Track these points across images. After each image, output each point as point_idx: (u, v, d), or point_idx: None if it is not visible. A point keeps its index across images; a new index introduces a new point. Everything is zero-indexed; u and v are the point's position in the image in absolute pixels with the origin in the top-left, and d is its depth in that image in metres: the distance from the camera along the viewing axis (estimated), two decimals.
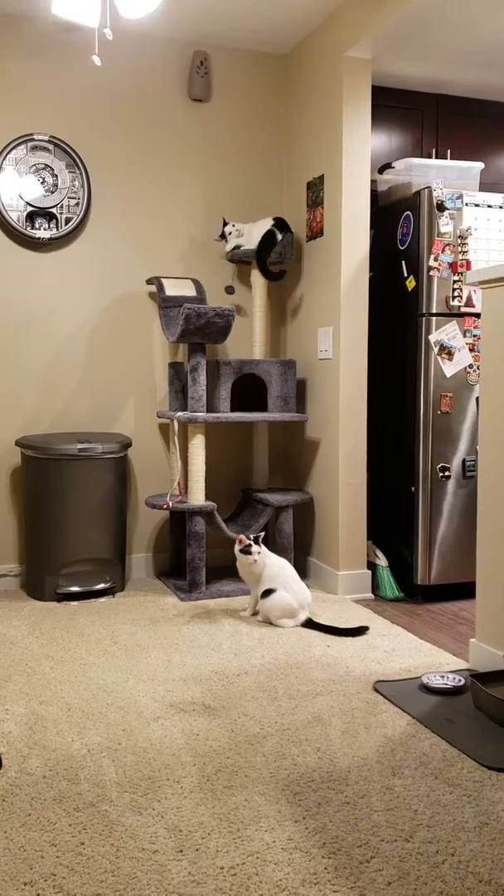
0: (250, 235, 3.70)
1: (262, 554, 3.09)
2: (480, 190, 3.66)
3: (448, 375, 3.40)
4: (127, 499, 3.70)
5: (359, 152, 3.45)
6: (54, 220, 3.60)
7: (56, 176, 3.59)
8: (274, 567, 3.09)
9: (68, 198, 3.61)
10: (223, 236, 3.73)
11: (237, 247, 3.71)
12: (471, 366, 3.42)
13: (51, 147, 3.58)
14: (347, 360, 3.49)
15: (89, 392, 3.74)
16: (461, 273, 3.38)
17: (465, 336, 3.41)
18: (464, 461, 3.44)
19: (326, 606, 3.33)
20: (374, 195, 3.71)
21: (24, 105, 3.56)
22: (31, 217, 3.56)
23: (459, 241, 3.37)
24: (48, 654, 2.74)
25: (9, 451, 3.62)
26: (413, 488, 3.46)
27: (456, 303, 3.38)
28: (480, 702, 2.26)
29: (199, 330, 3.34)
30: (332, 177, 3.53)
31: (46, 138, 3.57)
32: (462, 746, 2.05)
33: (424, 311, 3.38)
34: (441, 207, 3.35)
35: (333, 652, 2.77)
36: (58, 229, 3.60)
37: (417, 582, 3.46)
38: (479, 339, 3.40)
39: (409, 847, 1.62)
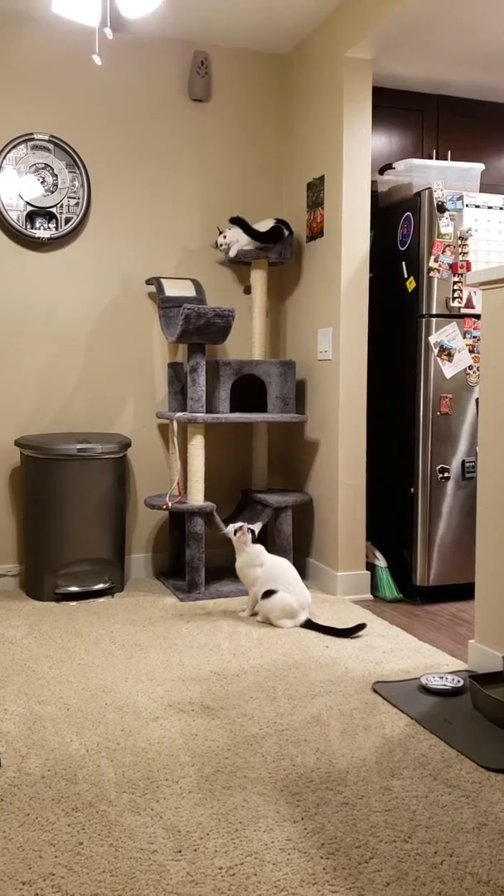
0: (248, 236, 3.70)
1: (256, 551, 3.10)
2: (481, 191, 3.66)
3: (448, 377, 3.40)
4: (126, 499, 3.70)
5: (359, 153, 3.45)
6: (54, 220, 3.60)
7: (56, 176, 3.59)
8: (275, 568, 3.09)
9: (68, 197, 3.61)
10: (217, 246, 3.74)
11: (240, 250, 3.70)
12: (470, 367, 3.42)
13: (51, 147, 3.58)
14: (347, 361, 3.49)
15: (89, 392, 3.73)
16: (461, 274, 3.38)
17: (464, 337, 3.41)
18: (463, 462, 3.44)
19: (325, 607, 3.33)
20: (375, 196, 3.71)
21: (25, 104, 3.56)
22: (30, 217, 3.56)
23: (460, 242, 3.37)
24: (47, 654, 2.74)
25: (8, 450, 3.62)
26: (412, 489, 3.46)
27: (456, 304, 3.39)
28: (479, 703, 2.26)
29: (198, 330, 3.34)
30: (332, 177, 3.53)
31: (46, 138, 3.57)
32: (461, 747, 2.04)
33: (424, 313, 3.38)
34: (441, 208, 3.35)
35: (332, 652, 2.77)
36: (57, 229, 3.60)
37: (416, 583, 3.46)
38: (478, 340, 3.40)
39: (408, 848, 1.62)
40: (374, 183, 3.71)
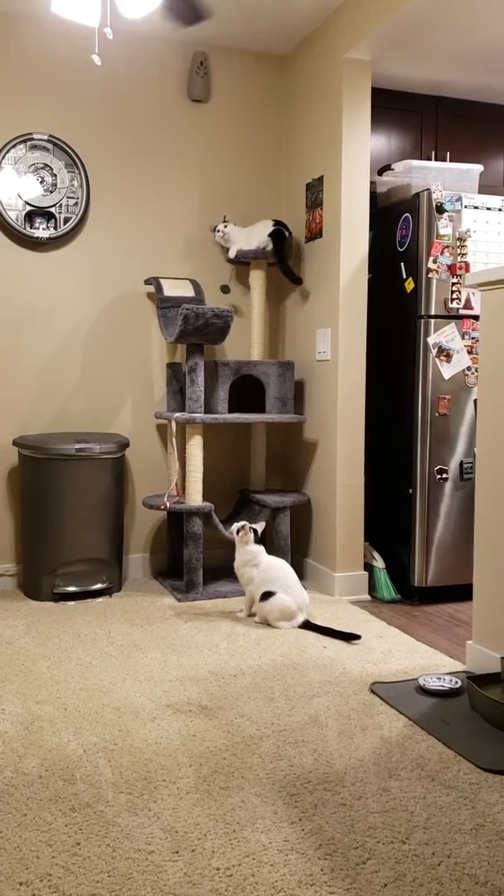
0: (249, 237, 3.70)
1: (255, 551, 3.10)
2: (479, 192, 3.66)
3: (446, 377, 3.40)
4: (124, 499, 3.69)
5: (358, 154, 3.45)
6: (53, 220, 3.60)
7: (55, 175, 3.58)
8: (273, 569, 3.09)
9: (67, 197, 3.61)
10: (214, 230, 3.74)
11: (239, 250, 3.70)
12: (469, 368, 3.43)
13: (50, 146, 3.58)
14: (346, 362, 3.49)
15: (87, 392, 3.73)
16: (460, 275, 3.38)
17: (463, 338, 3.41)
18: (461, 463, 3.44)
19: (323, 608, 3.33)
20: (374, 197, 3.71)
21: (24, 104, 3.56)
22: (29, 216, 3.56)
23: (458, 243, 3.38)
24: (45, 655, 2.74)
25: (6, 450, 3.62)
26: (410, 490, 3.46)
27: (454, 305, 3.39)
28: (477, 704, 2.26)
29: (197, 330, 3.34)
30: (331, 178, 3.53)
31: (45, 138, 3.57)
32: (458, 748, 2.04)
33: (423, 313, 3.38)
34: (440, 209, 3.35)
35: (330, 653, 2.77)
36: (56, 229, 3.60)
37: (414, 584, 3.46)
38: (477, 341, 3.40)
39: (406, 849, 1.62)
40: (372, 184, 3.71)
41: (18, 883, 1.50)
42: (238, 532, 3.13)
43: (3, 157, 3.50)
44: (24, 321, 3.62)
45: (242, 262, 3.81)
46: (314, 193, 3.67)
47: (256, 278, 3.76)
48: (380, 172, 3.69)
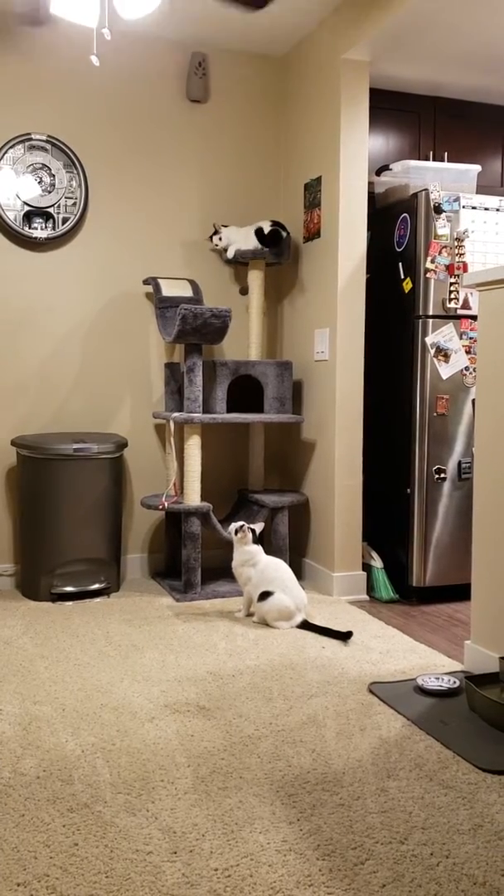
0: (247, 237, 3.70)
1: (253, 551, 3.10)
2: (477, 192, 3.67)
3: (444, 377, 3.41)
4: (122, 499, 3.69)
5: (356, 154, 3.45)
6: (51, 220, 3.59)
7: (53, 176, 3.58)
8: (271, 569, 3.09)
9: (65, 198, 3.61)
10: (211, 238, 3.75)
11: (237, 250, 3.70)
12: (467, 368, 3.43)
13: (48, 147, 3.57)
14: (344, 362, 3.49)
15: (85, 392, 3.73)
16: (458, 275, 3.38)
17: (461, 338, 3.41)
18: (459, 463, 3.44)
19: (321, 608, 3.33)
20: (372, 197, 3.71)
21: (22, 104, 3.56)
22: (28, 217, 3.56)
23: (456, 243, 3.38)
24: (42, 655, 2.73)
25: (4, 450, 3.62)
26: (408, 490, 3.46)
27: (452, 305, 3.39)
28: (475, 704, 2.26)
29: (195, 330, 3.34)
30: (329, 178, 3.53)
31: (44, 138, 3.56)
32: (457, 748, 2.04)
33: (421, 313, 3.39)
34: (438, 210, 3.35)
35: (328, 653, 2.77)
36: (55, 229, 3.60)
37: (412, 583, 3.46)
38: (475, 341, 3.40)
39: (404, 849, 1.62)
40: (370, 184, 3.71)
41: (16, 884, 1.50)
42: (236, 532, 3.14)
43: (2, 158, 3.50)
44: (22, 321, 3.62)
45: (241, 263, 3.81)
46: (312, 194, 3.67)
47: (255, 278, 3.76)
48: (378, 173, 3.70)
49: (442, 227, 3.36)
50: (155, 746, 2.05)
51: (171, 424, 3.57)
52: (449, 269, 3.38)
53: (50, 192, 3.58)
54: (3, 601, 3.40)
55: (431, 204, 3.35)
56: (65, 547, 3.36)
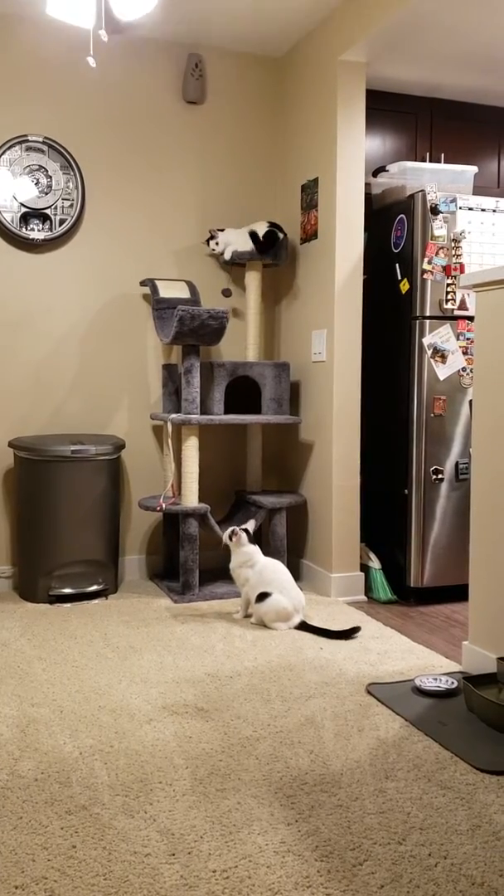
0: (244, 238, 3.70)
1: (250, 552, 3.11)
2: (474, 193, 3.67)
3: (441, 378, 3.41)
4: (120, 501, 3.69)
5: (353, 155, 3.46)
6: (48, 222, 3.59)
7: (50, 177, 3.58)
8: (268, 570, 3.09)
9: (62, 199, 3.61)
10: (208, 243, 3.75)
11: (234, 252, 3.70)
12: (464, 369, 3.43)
13: (45, 148, 3.57)
14: (341, 363, 3.49)
15: (83, 393, 3.73)
16: (455, 276, 3.38)
17: (458, 339, 3.41)
18: (457, 464, 3.45)
19: (319, 609, 3.33)
20: (369, 198, 3.72)
21: (19, 106, 3.56)
22: (24, 218, 3.56)
23: (453, 244, 3.38)
24: (40, 657, 2.73)
25: (1, 452, 3.61)
26: (406, 491, 3.46)
27: (449, 306, 3.39)
28: (473, 704, 2.26)
29: (192, 332, 3.34)
30: (326, 180, 3.53)
31: (41, 139, 3.56)
32: (455, 749, 2.05)
33: (418, 314, 3.39)
34: (435, 211, 3.35)
35: (326, 654, 2.77)
36: (52, 230, 3.59)
37: (410, 584, 3.46)
38: (472, 342, 3.41)
39: (402, 850, 1.62)
40: (367, 185, 3.71)
41: (14, 886, 1.50)
42: (230, 538, 3.14)
43: None
44: (19, 323, 3.61)
45: (238, 264, 3.81)
46: (309, 195, 3.68)
47: (252, 279, 3.76)
48: (374, 174, 3.70)
49: (439, 228, 3.36)
50: (153, 748, 2.05)
51: (169, 426, 3.58)
52: (446, 270, 3.38)
53: (47, 194, 3.58)
54: (1, 603, 3.40)
55: (428, 205, 3.35)
56: (63, 549, 3.35)
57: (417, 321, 3.39)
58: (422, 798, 1.82)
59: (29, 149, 3.55)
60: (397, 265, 3.50)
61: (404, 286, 3.46)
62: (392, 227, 3.54)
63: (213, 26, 3.58)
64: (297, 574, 3.80)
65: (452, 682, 2.45)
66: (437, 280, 3.38)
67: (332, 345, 3.49)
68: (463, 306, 3.41)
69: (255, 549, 3.14)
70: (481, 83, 3.73)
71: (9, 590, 3.62)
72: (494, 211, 3.44)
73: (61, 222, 3.61)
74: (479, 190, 3.83)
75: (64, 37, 3.59)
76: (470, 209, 3.40)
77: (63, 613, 3.24)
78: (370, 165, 3.73)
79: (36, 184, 3.56)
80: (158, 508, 3.44)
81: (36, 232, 3.57)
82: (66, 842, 1.64)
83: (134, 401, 3.82)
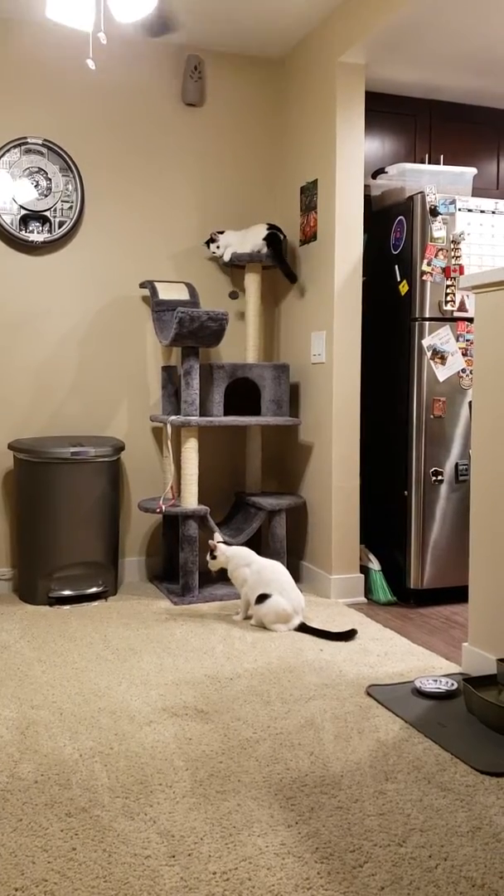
0: (244, 240, 3.71)
1: (241, 553, 3.16)
2: (473, 195, 3.67)
3: (441, 380, 3.41)
4: (119, 502, 3.69)
5: (352, 157, 3.46)
6: (48, 224, 3.59)
7: (50, 179, 3.58)
8: (268, 571, 3.09)
9: (62, 201, 3.61)
10: (208, 245, 3.75)
11: (234, 254, 3.70)
12: (463, 370, 3.43)
13: (44, 150, 3.57)
14: (341, 364, 3.49)
15: (82, 395, 3.73)
16: (454, 278, 3.39)
17: (457, 340, 3.42)
18: (456, 465, 3.45)
19: (319, 610, 3.33)
20: (368, 200, 3.72)
21: (18, 108, 3.56)
22: (24, 220, 3.56)
23: (452, 245, 3.38)
24: (40, 659, 2.73)
25: (1, 454, 3.61)
26: (406, 492, 3.46)
27: (449, 307, 3.39)
28: (473, 706, 2.26)
29: (192, 333, 3.34)
30: (325, 181, 3.53)
31: (40, 142, 3.57)
32: (455, 751, 2.04)
33: (417, 316, 3.39)
34: (434, 212, 3.36)
35: (326, 656, 2.76)
36: (51, 233, 3.60)
37: (410, 586, 3.46)
38: (471, 343, 3.41)
39: (402, 852, 1.62)
40: (367, 187, 3.72)
41: (14, 889, 1.50)
42: (212, 556, 3.20)
43: None
44: (19, 325, 3.61)
45: (237, 266, 3.81)
46: (308, 197, 3.68)
47: (251, 281, 3.77)
48: (374, 175, 3.70)
49: (438, 229, 3.36)
50: (153, 750, 2.05)
51: (169, 427, 3.58)
52: (445, 271, 3.38)
53: (46, 196, 3.58)
54: (1, 605, 3.40)
55: (427, 207, 3.35)
56: (62, 550, 3.35)
57: (417, 323, 3.39)
58: (422, 800, 1.82)
59: (28, 151, 3.55)
60: (396, 267, 3.50)
61: (404, 288, 3.46)
62: (391, 228, 3.54)
63: (212, 28, 3.59)
64: (296, 576, 3.80)
65: (452, 684, 2.45)
66: (437, 281, 3.38)
67: (332, 346, 3.49)
68: (462, 308, 3.41)
69: (245, 551, 3.16)
70: (480, 85, 3.73)
71: (8, 592, 3.62)
72: (494, 212, 3.44)
73: (61, 224, 3.61)
74: (478, 191, 3.83)
75: (63, 39, 3.59)
76: (469, 211, 3.40)
77: (63, 615, 3.24)
78: (369, 167, 3.73)
79: (35, 186, 3.57)
80: (158, 510, 3.44)
81: (35, 234, 3.57)
82: (66, 844, 1.64)
83: (133, 403, 3.82)
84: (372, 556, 3.59)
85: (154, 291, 3.65)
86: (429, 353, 3.39)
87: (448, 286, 3.39)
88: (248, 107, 3.93)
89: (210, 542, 3.22)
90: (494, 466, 2.52)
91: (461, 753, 2.03)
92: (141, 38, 3.68)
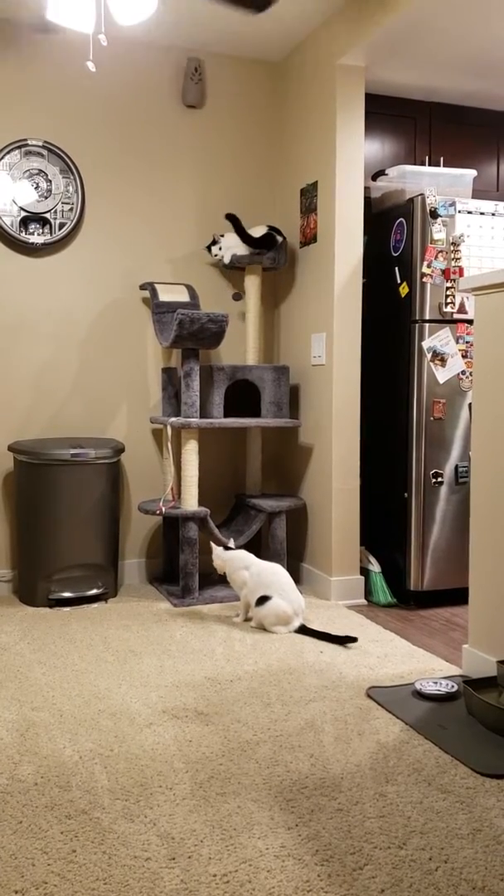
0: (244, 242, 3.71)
1: (238, 556, 3.17)
2: (473, 197, 3.68)
3: (441, 382, 3.41)
4: (120, 504, 3.69)
5: (352, 159, 3.46)
6: (48, 226, 3.60)
7: (50, 181, 3.59)
8: (268, 573, 3.09)
9: (62, 203, 3.61)
10: (209, 248, 3.76)
11: (234, 255, 3.70)
12: (463, 372, 3.43)
13: (45, 152, 3.58)
14: (341, 366, 3.50)
15: (82, 397, 3.73)
16: (454, 280, 3.39)
17: (457, 342, 3.42)
18: (456, 467, 3.45)
19: (319, 612, 3.33)
20: (368, 202, 3.72)
21: (19, 110, 3.56)
22: (24, 222, 3.56)
23: (452, 247, 3.39)
24: (40, 660, 2.73)
25: (1, 455, 3.61)
26: (406, 494, 3.46)
27: (449, 309, 3.40)
28: (473, 708, 2.26)
29: (192, 335, 3.34)
30: (325, 183, 3.54)
31: (40, 143, 3.57)
32: (455, 753, 2.04)
33: (417, 318, 3.39)
34: (434, 214, 3.36)
35: (326, 658, 2.76)
36: (51, 234, 3.60)
37: (410, 588, 3.46)
38: (471, 345, 3.41)
39: (403, 854, 1.61)
40: (366, 189, 3.72)
41: (14, 891, 1.49)
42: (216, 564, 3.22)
43: None
44: (19, 326, 3.62)
45: (237, 268, 3.82)
46: (308, 199, 3.68)
47: (252, 283, 3.77)
48: (374, 177, 3.71)
49: (438, 231, 3.37)
50: (153, 752, 2.05)
51: (169, 429, 3.58)
52: (445, 273, 3.39)
53: (46, 198, 3.59)
54: (1, 607, 3.40)
55: (427, 209, 3.36)
56: (62, 552, 3.35)
57: (417, 325, 3.39)
58: (422, 802, 1.82)
59: (29, 153, 3.56)
60: (396, 269, 3.51)
61: (403, 290, 3.46)
62: (391, 230, 3.55)
63: (213, 30, 3.59)
64: (296, 577, 3.80)
65: (452, 686, 2.45)
66: (437, 283, 3.38)
67: (332, 348, 3.49)
68: (462, 310, 3.42)
69: (244, 553, 3.16)
70: (480, 87, 3.74)
71: (8, 593, 3.62)
72: (493, 214, 3.44)
73: (61, 226, 3.61)
74: (478, 193, 3.83)
75: (64, 41, 3.59)
76: (469, 213, 3.41)
77: (63, 617, 3.24)
78: (369, 169, 3.73)
79: (36, 188, 3.57)
80: (158, 512, 3.44)
81: (36, 236, 3.58)
82: (66, 846, 1.64)
83: (133, 404, 3.82)
84: (372, 558, 3.59)
85: (154, 293, 3.65)
86: (429, 355, 3.39)
87: (448, 288, 3.39)
88: (249, 109, 3.94)
89: (216, 550, 3.23)
90: (494, 468, 2.52)
91: (461, 755, 2.03)
92: (141, 39, 3.68)
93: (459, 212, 3.39)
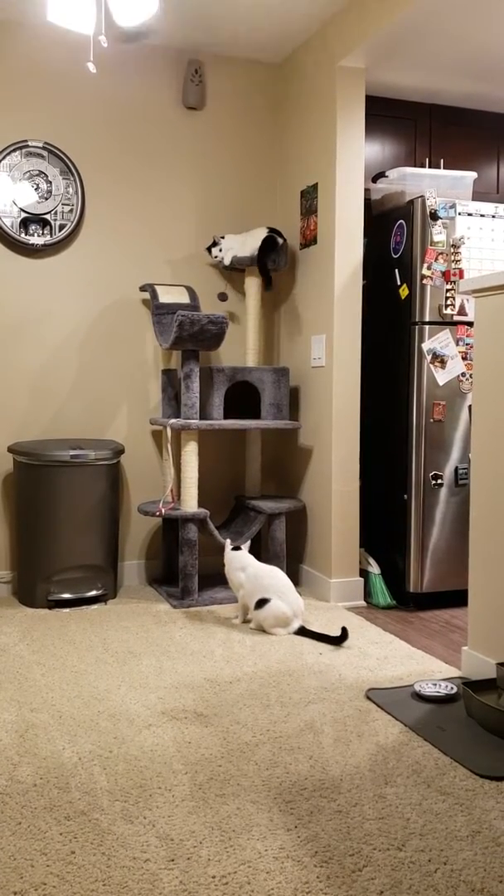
0: (244, 244, 3.71)
1: (238, 556, 3.15)
2: (473, 199, 3.68)
3: (441, 384, 3.41)
4: (119, 506, 3.69)
5: (352, 161, 3.47)
6: (48, 227, 3.60)
7: (50, 182, 3.59)
8: (267, 576, 3.08)
9: (62, 204, 3.61)
10: (210, 250, 3.76)
11: (234, 257, 3.71)
12: (463, 374, 3.43)
13: (45, 153, 3.58)
14: (341, 368, 3.50)
15: (82, 398, 3.73)
16: (454, 282, 3.39)
17: (457, 344, 3.42)
18: (456, 469, 3.45)
19: (319, 614, 3.33)
20: (368, 204, 3.72)
21: (19, 111, 3.56)
22: (24, 223, 3.56)
23: (452, 249, 3.39)
24: (39, 662, 2.73)
25: (1, 457, 3.61)
26: (405, 496, 3.46)
27: (449, 311, 3.40)
28: (473, 710, 2.26)
29: (192, 337, 3.34)
30: (325, 185, 3.54)
31: (41, 145, 3.57)
32: (454, 755, 2.04)
33: (417, 320, 3.39)
34: (434, 216, 3.36)
35: (325, 659, 2.76)
36: (51, 236, 3.60)
37: (410, 589, 3.46)
38: (471, 347, 3.41)
39: (402, 856, 1.61)
40: (367, 191, 3.72)
41: (13, 892, 1.49)
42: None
43: None
44: (19, 328, 3.62)
45: (237, 269, 3.82)
46: (308, 200, 3.68)
47: (252, 285, 3.77)
48: (374, 179, 3.71)
49: (438, 233, 3.37)
50: (152, 753, 2.05)
51: (168, 430, 3.58)
52: (445, 275, 3.39)
53: (47, 199, 3.59)
54: (0, 608, 3.39)
55: (427, 211, 3.36)
56: (62, 554, 3.35)
57: (417, 326, 3.39)
58: (421, 804, 1.81)
59: (29, 154, 3.56)
60: (396, 271, 3.51)
61: (404, 291, 3.46)
62: (391, 232, 3.55)
63: (213, 33, 3.59)
64: (296, 579, 3.79)
65: (452, 688, 2.45)
66: (437, 285, 3.39)
67: (332, 350, 3.50)
68: (462, 312, 3.42)
69: (242, 554, 3.16)
70: (480, 89, 3.74)
71: (8, 595, 3.62)
72: (493, 216, 3.44)
73: (61, 227, 3.61)
74: (478, 195, 3.84)
75: (64, 43, 3.60)
76: (469, 215, 3.41)
77: (62, 618, 3.23)
78: (369, 171, 3.74)
79: (36, 189, 3.57)
80: (158, 513, 3.44)
81: (36, 237, 3.58)
82: (65, 847, 1.63)
83: (133, 406, 3.82)
84: (371, 560, 3.59)
85: (154, 294, 3.65)
86: (429, 357, 3.39)
87: (448, 290, 3.39)
88: (249, 110, 3.94)
89: (231, 546, 3.23)
90: (494, 470, 2.52)
91: (460, 757, 2.03)
92: (145, 39, 3.68)
93: (459, 214, 3.39)
